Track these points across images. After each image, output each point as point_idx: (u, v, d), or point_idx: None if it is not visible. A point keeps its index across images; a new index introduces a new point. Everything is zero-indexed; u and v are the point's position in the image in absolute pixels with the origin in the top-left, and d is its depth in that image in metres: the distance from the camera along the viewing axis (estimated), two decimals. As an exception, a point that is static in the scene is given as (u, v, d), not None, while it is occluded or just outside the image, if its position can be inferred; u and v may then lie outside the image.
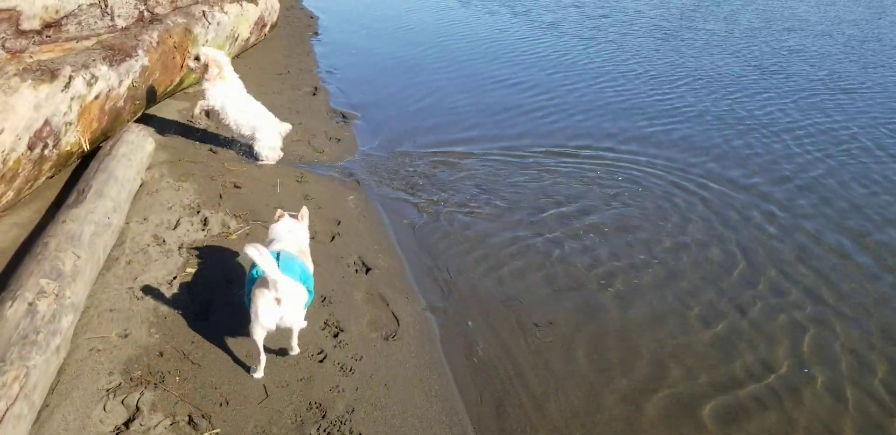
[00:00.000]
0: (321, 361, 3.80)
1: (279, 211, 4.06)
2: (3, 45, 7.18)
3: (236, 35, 9.04)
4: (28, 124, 4.78)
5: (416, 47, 12.12)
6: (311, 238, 4.64)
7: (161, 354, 3.64)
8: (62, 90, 5.26)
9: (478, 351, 4.19)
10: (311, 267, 3.71)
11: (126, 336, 3.72)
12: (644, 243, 5.64)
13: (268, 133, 6.22)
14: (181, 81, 7.68)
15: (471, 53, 11.95)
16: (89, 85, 5.57)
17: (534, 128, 8.37)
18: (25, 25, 6.90)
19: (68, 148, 5.33)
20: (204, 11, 8.42)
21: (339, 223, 5.45)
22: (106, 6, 7.99)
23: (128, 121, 6.45)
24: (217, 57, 6.28)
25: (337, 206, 5.74)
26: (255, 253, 3.10)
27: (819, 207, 6.49)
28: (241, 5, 9.40)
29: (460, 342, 4.26)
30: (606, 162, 7.37)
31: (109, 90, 5.86)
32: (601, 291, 4.95)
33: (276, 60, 9.74)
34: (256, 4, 9.88)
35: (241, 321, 3.87)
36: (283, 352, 3.79)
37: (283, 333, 3.61)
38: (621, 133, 8.33)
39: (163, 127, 6.66)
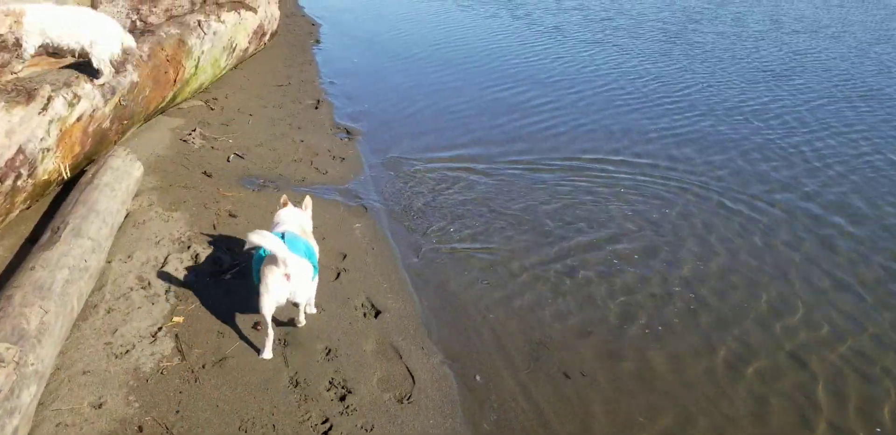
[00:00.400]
0: (326, 433, 3.27)
1: (284, 197, 4.32)
2: None
3: (234, 45, 8.54)
4: (-2, 154, 4.27)
5: (417, 54, 11.64)
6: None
7: (140, 429, 3.12)
8: (39, 113, 4.74)
9: (502, 413, 3.65)
10: (315, 245, 4.00)
11: (100, 406, 3.20)
12: (677, 272, 5.11)
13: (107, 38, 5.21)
14: (174, 97, 7.18)
15: (472, 60, 11.47)
16: (71, 105, 5.06)
17: (542, 138, 7.92)
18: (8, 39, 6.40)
19: (45, 177, 4.82)
20: (199, 21, 7.92)
21: (344, 257, 4.93)
22: None
23: (115, 142, 5.94)
24: None
25: (343, 236, 5.22)
26: (259, 238, 3.37)
27: (849, 228, 5.99)
28: (238, 14, 8.90)
29: (483, 401, 3.72)
30: (620, 175, 6.90)
31: (94, 110, 5.35)
32: (638, 333, 4.42)
33: (276, 70, 9.24)
34: (255, 13, 9.38)
35: (234, 382, 3.37)
36: (291, 323, 4.01)
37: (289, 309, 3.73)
38: (632, 143, 7.88)
39: (153, 147, 6.16)
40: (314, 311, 4.12)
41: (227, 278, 4.42)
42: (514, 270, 5.05)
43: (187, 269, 4.43)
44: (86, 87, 5.37)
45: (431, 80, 10.08)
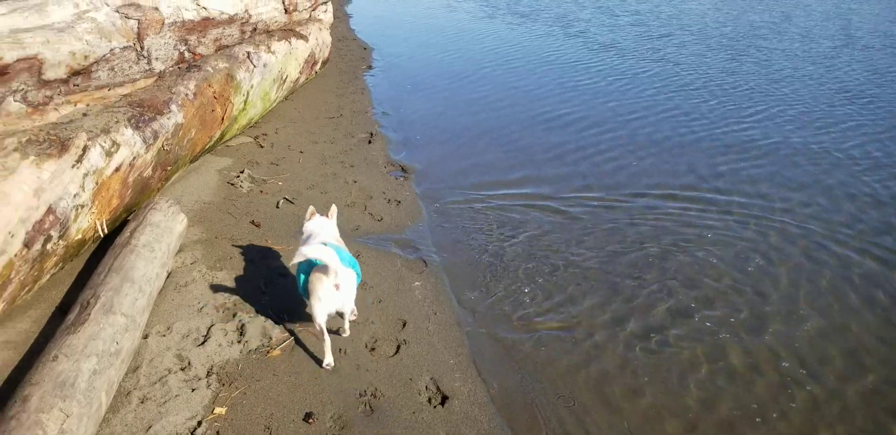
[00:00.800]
0: None
1: (311, 208, 4.36)
2: (25, 98, 6.37)
3: (284, 76, 8.12)
4: (25, 216, 3.84)
5: (468, 77, 11.14)
6: (372, 349, 4.02)
7: None
8: (73, 166, 4.32)
9: None
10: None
11: None
12: (787, 344, 4.39)
13: None
14: (223, 135, 6.77)
15: (525, 82, 10.92)
16: (108, 155, 4.63)
17: (605, 170, 7.33)
18: (49, 74, 6.10)
19: (79, 236, 4.39)
20: (248, 53, 7.52)
21: (404, 325, 4.35)
22: (142, 49, 7.17)
23: (157, 190, 5.52)
24: None
25: (401, 298, 4.65)
26: (311, 252, 3.49)
27: None
28: (289, 43, 8.50)
29: None
30: (699, 214, 6.24)
31: (134, 158, 4.92)
32: None
33: (327, 101, 8.80)
34: (307, 41, 8.98)
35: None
36: (335, 333, 4.01)
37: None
38: (704, 176, 7.22)
39: (199, 192, 5.72)
40: (355, 317, 4.21)
41: (276, 354, 3.88)
42: (597, 348, 4.39)
43: (232, 343, 3.92)
44: (126, 132, 4.96)
45: (483, 106, 9.56)
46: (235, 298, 4.37)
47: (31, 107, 6.53)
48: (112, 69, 7.19)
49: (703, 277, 5.22)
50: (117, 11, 7.10)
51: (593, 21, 17.18)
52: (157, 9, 7.51)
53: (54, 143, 4.38)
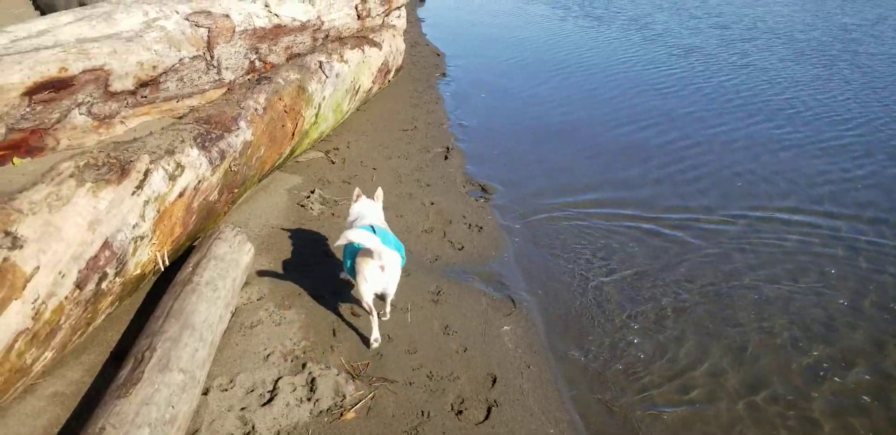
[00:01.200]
0: None
1: (357, 190, 4.40)
2: (90, 111, 6.05)
3: (357, 87, 7.65)
4: (79, 252, 3.42)
5: (542, 84, 10.53)
6: (459, 412, 3.49)
7: None
8: (133, 193, 3.89)
9: None
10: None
11: None
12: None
13: None
14: (293, 151, 6.32)
15: (601, 90, 10.28)
16: (172, 179, 4.20)
17: (698, 188, 6.73)
18: (116, 86, 5.76)
19: (138, 271, 3.96)
20: (321, 62, 7.07)
21: (494, 381, 3.77)
22: (211, 58, 6.80)
23: (223, 214, 5.08)
24: None
25: (489, 346, 4.07)
26: (356, 236, 3.53)
27: None
28: (362, 51, 8.02)
29: None
30: (820, 240, 5.56)
31: (199, 182, 4.48)
32: None
33: (401, 112, 8.29)
34: (380, 49, 8.49)
35: None
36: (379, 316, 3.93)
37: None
38: (817, 196, 6.55)
39: (267, 215, 5.28)
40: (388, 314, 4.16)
41: (351, 417, 3.34)
42: (734, 424, 3.69)
43: (301, 401, 3.41)
44: (192, 153, 4.52)
45: (560, 116, 8.95)
46: (305, 343, 3.87)
47: (96, 120, 6.24)
48: (181, 80, 6.86)
49: (835, 326, 4.45)
50: (187, 19, 6.77)
51: (672, 23, 16.25)
52: (228, 16, 7.15)
53: (114, 167, 3.96)
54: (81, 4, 9.84)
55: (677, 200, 6.42)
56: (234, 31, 7.37)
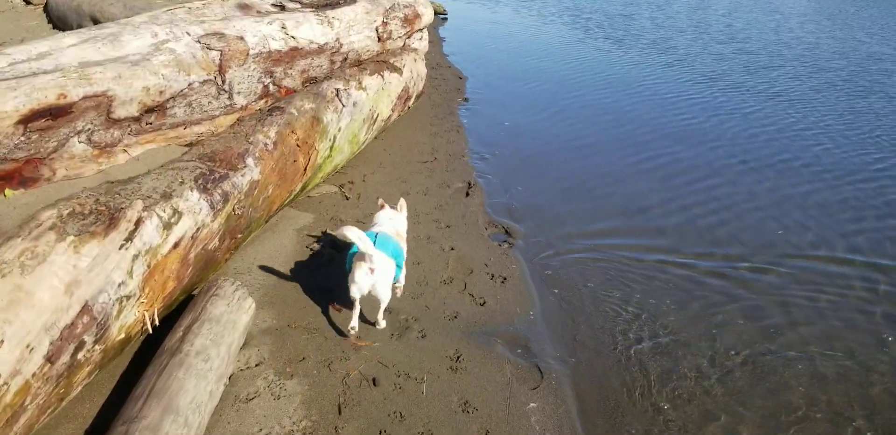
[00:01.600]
0: None
1: (380, 200, 4.64)
2: (91, 139, 5.66)
3: (375, 115, 7.22)
4: (51, 321, 2.97)
5: (565, 111, 10.11)
6: None
7: None
8: (121, 247, 3.45)
9: None
10: (404, 247, 4.36)
11: None
12: None
13: None
14: (305, 186, 5.88)
15: (627, 118, 9.85)
16: (167, 228, 3.75)
17: (729, 229, 6.34)
18: (120, 112, 5.37)
19: (122, 335, 3.52)
20: (338, 90, 6.66)
21: (521, 476, 3.24)
22: (223, 82, 6.41)
23: (225, 261, 4.63)
24: None
25: (513, 429, 3.60)
26: (353, 235, 3.74)
27: None
28: (382, 77, 7.61)
29: None
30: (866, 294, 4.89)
31: (198, 229, 4.03)
32: None
33: (420, 141, 7.85)
34: (401, 74, 8.08)
35: None
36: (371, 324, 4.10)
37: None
38: (855, 241, 6.03)
39: (272, 260, 4.83)
40: (389, 297, 4.19)
41: None
42: None
43: (296, 500, 2.90)
44: (191, 197, 4.09)
45: (581, 149, 8.56)
46: (306, 423, 3.40)
47: (97, 149, 5.83)
48: (189, 105, 6.46)
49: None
50: (199, 41, 6.38)
51: (695, 48, 15.76)
52: (242, 38, 6.77)
53: (102, 216, 3.53)
54: (94, 20, 9.51)
55: (708, 244, 6.08)
56: (247, 54, 6.99)
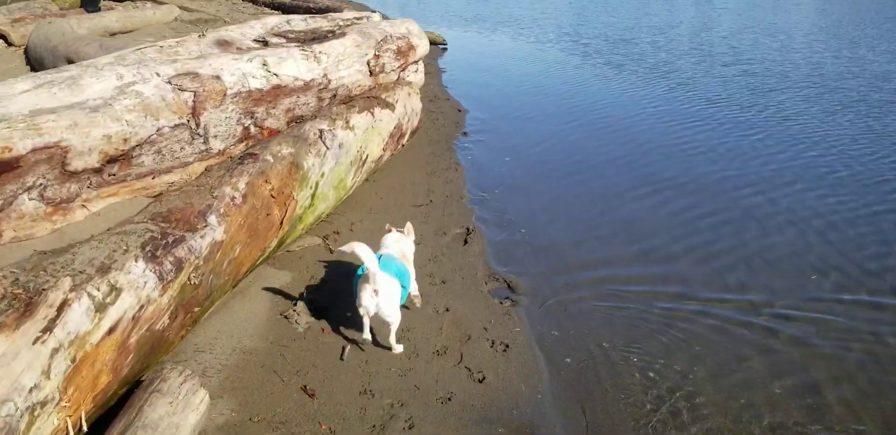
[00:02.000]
0: None
1: (388, 225, 4.78)
2: (43, 195, 5.06)
3: (364, 156, 6.63)
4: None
5: (572, 143, 9.56)
6: None
7: None
8: (36, 340, 2.82)
9: None
10: (411, 269, 4.43)
11: None
12: None
13: None
14: (282, 241, 5.25)
15: (626, 147, 9.26)
16: (100, 310, 3.14)
17: (743, 271, 5.57)
18: (76, 164, 4.78)
19: (34, 454, 2.83)
20: (321, 131, 6.08)
21: None
22: (197, 126, 5.84)
23: (180, 340, 3.98)
24: None
25: None
26: (361, 251, 3.80)
27: None
28: (372, 114, 7.04)
29: None
30: None
31: (141, 308, 3.40)
32: None
33: (415, 182, 7.24)
34: (393, 110, 7.51)
35: None
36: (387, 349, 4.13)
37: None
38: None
39: (238, 333, 4.20)
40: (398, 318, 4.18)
41: None
42: None
43: None
44: (135, 268, 3.47)
45: (587, 183, 7.95)
46: None
47: (50, 205, 5.23)
48: (159, 153, 5.89)
49: None
50: (169, 83, 5.83)
51: (697, 72, 15.18)
52: (218, 78, 6.23)
53: (17, 301, 2.90)
54: (69, 62, 9.03)
55: (726, 286, 5.46)
56: (224, 95, 6.44)
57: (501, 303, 5.06)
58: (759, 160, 8.76)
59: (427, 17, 26.26)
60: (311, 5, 20.31)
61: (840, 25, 25.89)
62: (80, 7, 14.64)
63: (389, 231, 4.70)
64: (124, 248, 3.63)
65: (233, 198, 4.57)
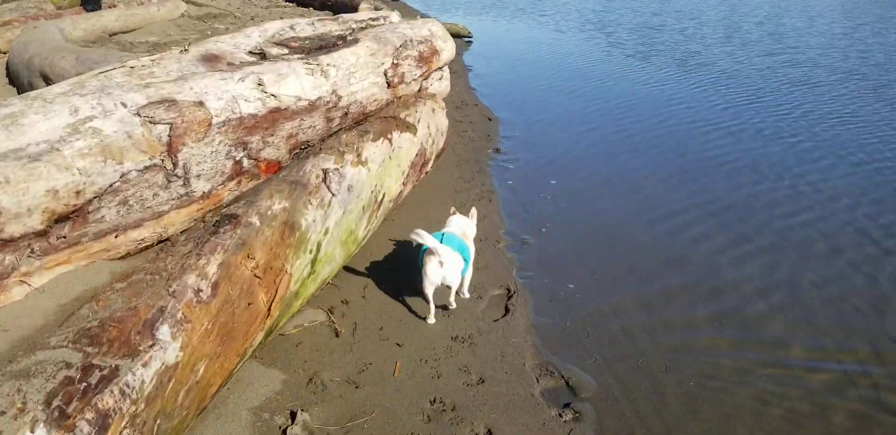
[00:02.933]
0: None
1: (452, 208, 5.18)
2: None
3: (380, 197, 5.37)
4: None
5: (636, 159, 8.21)
6: None
7: None
8: None
9: None
10: (471, 246, 4.81)
11: None
12: None
13: None
14: (270, 331, 4.01)
15: (661, 169, 7.89)
16: None
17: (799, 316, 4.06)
18: (12, 229, 3.49)
19: None
20: (325, 173, 4.84)
21: None
22: (174, 166, 4.62)
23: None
24: None
25: None
26: (418, 237, 4.26)
27: None
28: (390, 141, 5.78)
29: None
30: None
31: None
32: None
33: (440, 220, 5.91)
34: (415, 133, 6.23)
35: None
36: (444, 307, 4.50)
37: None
38: None
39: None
40: (468, 295, 4.94)
41: None
42: None
43: None
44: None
45: (650, 214, 6.67)
46: None
47: None
48: (124, 203, 4.66)
49: None
50: (138, 114, 4.59)
51: (745, 62, 13.59)
52: (201, 104, 4.99)
53: None
54: (44, 77, 7.83)
55: (817, 334, 4.56)
56: (209, 124, 5.22)
57: (561, 415, 3.78)
58: (820, 165, 7.40)
59: (443, 3, 24.75)
60: (327, -3, 18.98)
61: (886, 6, 23.84)
62: (80, 5, 13.47)
63: (454, 213, 5.10)
64: (18, 406, 2.41)
65: (198, 291, 3.34)
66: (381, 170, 5.54)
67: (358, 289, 4.85)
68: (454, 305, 4.74)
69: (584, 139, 8.67)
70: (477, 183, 6.93)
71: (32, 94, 4.90)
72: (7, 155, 4.16)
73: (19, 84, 7.95)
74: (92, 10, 13.20)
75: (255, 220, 4.05)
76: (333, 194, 4.82)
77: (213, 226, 3.97)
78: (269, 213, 4.18)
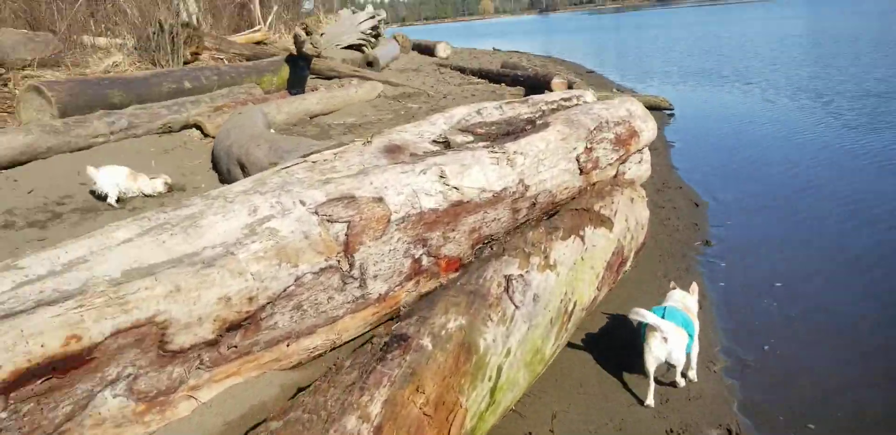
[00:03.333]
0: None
1: (672, 283, 5.16)
2: (131, 389, 3.60)
3: (571, 306, 4.63)
4: None
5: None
6: None
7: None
8: None
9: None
10: (695, 321, 4.62)
11: None
12: None
13: None
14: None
15: None
16: None
17: None
18: (181, 340, 3.06)
19: None
20: (508, 280, 4.24)
21: None
22: (350, 268, 4.24)
23: None
24: None
25: None
26: (637, 314, 4.29)
27: None
28: (581, 239, 5.09)
29: None
30: None
31: None
32: None
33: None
34: (611, 228, 5.49)
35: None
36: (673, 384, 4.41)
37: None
38: None
39: None
40: (695, 379, 4.64)
41: None
42: None
43: None
44: None
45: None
46: None
47: (142, 402, 3.75)
48: (298, 308, 4.30)
49: None
50: (316, 213, 4.28)
51: None
52: (381, 200, 4.63)
53: None
54: (241, 165, 8.11)
55: None
56: (388, 221, 4.86)
57: None
58: None
59: (639, 74, 23.94)
60: (520, 73, 19.08)
61: None
62: (286, 89, 14.50)
63: (674, 288, 4.97)
64: None
65: (356, 438, 2.75)
66: (571, 274, 4.81)
67: (545, 415, 4.08)
68: (682, 384, 4.57)
69: (816, 231, 7.31)
70: (685, 284, 5.92)
71: (214, 193, 4.83)
72: (181, 260, 3.98)
73: (219, 170, 8.32)
74: (296, 93, 14.11)
75: (427, 342, 3.48)
76: (517, 307, 4.16)
77: (381, 350, 3.46)
78: (444, 333, 3.60)
